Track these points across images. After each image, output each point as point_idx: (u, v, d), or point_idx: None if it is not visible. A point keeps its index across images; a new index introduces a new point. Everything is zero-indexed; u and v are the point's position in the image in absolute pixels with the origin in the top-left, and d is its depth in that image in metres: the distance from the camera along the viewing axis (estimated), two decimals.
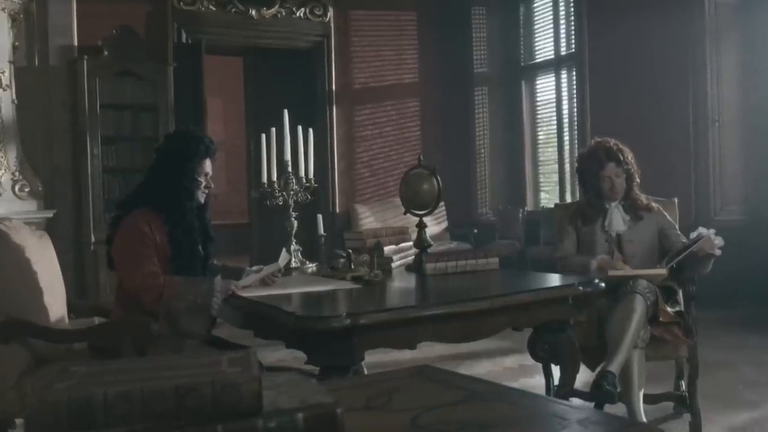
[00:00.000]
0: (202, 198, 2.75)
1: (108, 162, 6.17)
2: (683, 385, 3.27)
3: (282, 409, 0.83)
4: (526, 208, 7.42)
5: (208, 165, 2.78)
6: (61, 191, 6.11)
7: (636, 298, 2.87)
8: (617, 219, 3.30)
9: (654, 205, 3.35)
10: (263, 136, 3.62)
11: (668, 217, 3.37)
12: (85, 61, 5.97)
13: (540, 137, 7.77)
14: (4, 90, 5.73)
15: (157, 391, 0.78)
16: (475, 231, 7.41)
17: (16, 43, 5.90)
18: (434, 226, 7.56)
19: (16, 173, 5.78)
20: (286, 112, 3.66)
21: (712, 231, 3.16)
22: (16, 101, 5.79)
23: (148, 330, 2.42)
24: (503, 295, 2.35)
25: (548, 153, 7.70)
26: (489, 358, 4.50)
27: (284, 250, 2.86)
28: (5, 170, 5.74)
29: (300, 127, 3.60)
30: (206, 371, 0.84)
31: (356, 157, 7.61)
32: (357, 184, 7.60)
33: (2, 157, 5.73)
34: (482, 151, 7.93)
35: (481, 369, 4.37)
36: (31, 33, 6.04)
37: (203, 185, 2.73)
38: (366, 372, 3.87)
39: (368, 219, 7.25)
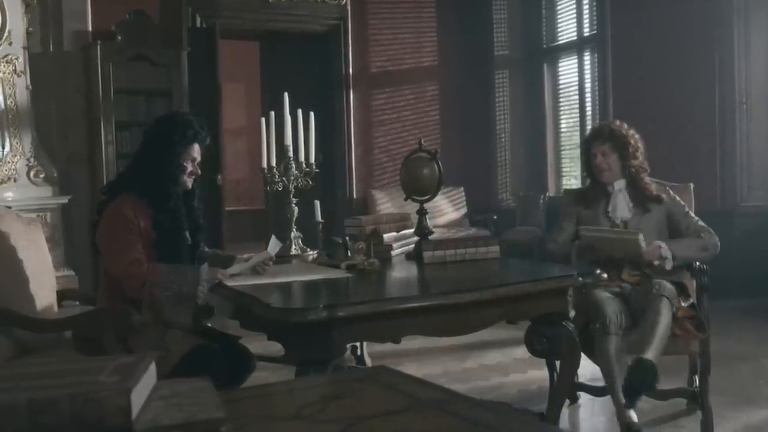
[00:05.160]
0: (189, 183, 2.68)
1: (122, 147, 6.13)
2: (696, 380, 3.12)
3: (158, 427, 0.73)
4: (547, 194, 7.25)
5: (196, 150, 2.69)
6: (76, 177, 6.10)
7: (663, 302, 2.74)
8: (622, 205, 3.15)
9: (664, 195, 3.16)
10: (262, 120, 3.53)
11: (681, 202, 3.19)
12: (98, 47, 5.93)
13: (562, 121, 7.56)
14: (19, 76, 5.71)
15: (7, 406, 0.69)
16: (495, 217, 7.26)
17: (30, 29, 5.87)
18: (453, 212, 7.44)
19: (31, 159, 5.78)
20: (286, 95, 3.56)
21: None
22: (30, 87, 5.76)
23: (129, 319, 2.35)
24: (494, 286, 2.23)
25: (571, 137, 7.49)
26: (499, 348, 4.38)
27: (273, 237, 2.76)
28: (20, 156, 5.74)
29: (300, 111, 3.50)
30: (76, 381, 0.75)
31: (374, 142, 7.48)
32: (374, 170, 7.49)
33: (17, 143, 5.73)
34: (503, 135, 7.74)
35: (490, 359, 4.26)
36: (46, 18, 6.02)
37: (189, 171, 2.65)
38: (370, 362, 3.80)
39: (386, 205, 7.13)
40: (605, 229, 3.02)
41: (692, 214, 3.16)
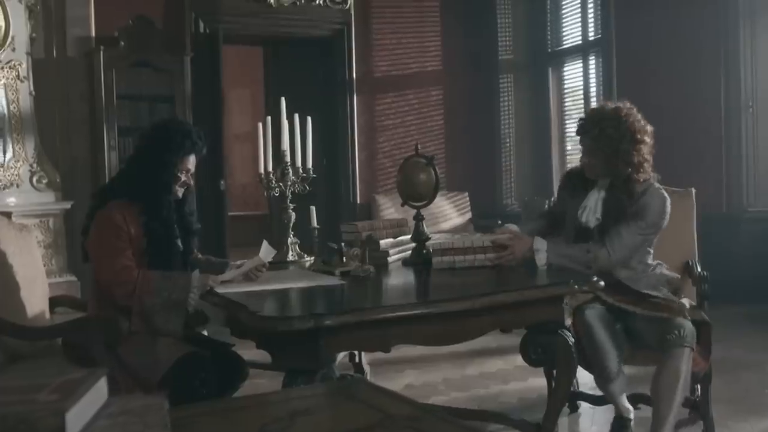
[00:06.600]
0: (179, 193, 2.65)
1: (125, 153, 6.11)
2: (698, 389, 3.06)
3: None
4: (552, 199, 7.17)
5: (191, 161, 2.66)
6: (79, 182, 6.10)
7: (684, 354, 2.53)
8: (590, 210, 2.79)
9: (648, 199, 2.73)
10: (260, 125, 3.51)
11: (652, 208, 2.73)
12: (101, 52, 5.93)
13: (567, 125, 7.50)
14: (22, 82, 5.72)
15: None
16: (500, 222, 7.19)
17: (34, 35, 5.88)
18: (457, 217, 7.39)
19: (34, 165, 5.78)
20: (283, 100, 3.54)
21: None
22: (33, 93, 5.78)
23: (117, 327, 2.32)
24: (485, 294, 2.18)
25: (576, 140, 7.42)
26: (500, 355, 4.33)
27: (265, 243, 2.72)
28: (23, 162, 5.75)
29: (297, 116, 3.48)
30: (12, 400, 0.72)
31: (378, 146, 7.45)
32: (378, 175, 7.45)
33: (20, 148, 5.74)
34: (508, 140, 7.70)
35: (491, 367, 4.22)
36: (49, 24, 6.03)
37: (182, 181, 2.62)
38: (368, 369, 3.76)
39: (389, 210, 7.09)
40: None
41: (632, 228, 2.71)
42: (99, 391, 0.81)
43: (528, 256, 2.73)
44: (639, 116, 2.82)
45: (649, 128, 2.82)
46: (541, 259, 2.69)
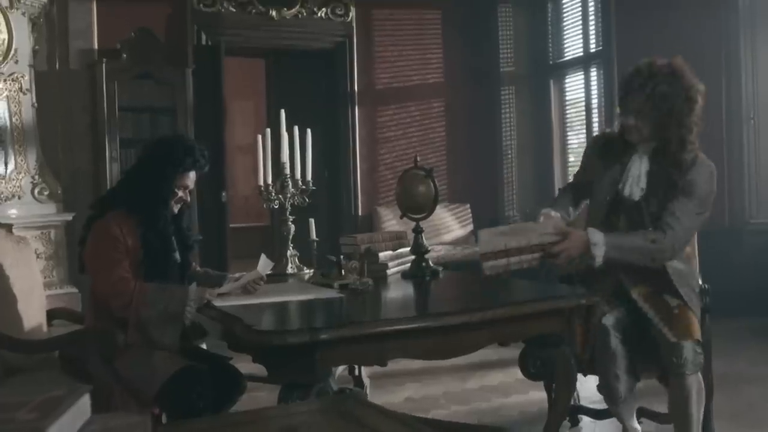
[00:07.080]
0: (175, 209, 2.64)
1: (127, 165, 6.12)
2: None
3: None
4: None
5: (190, 178, 2.65)
6: (81, 194, 6.11)
7: (685, 380, 2.35)
8: (634, 176, 2.51)
9: (695, 174, 2.43)
10: (259, 137, 3.51)
11: (699, 183, 2.47)
12: (104, 65, 5.96)
13: (569, 136, 7.50)
14: (25, 94, 5.74)
15: None
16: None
17: (37, 47, 5.90)
18: (459, 229, 7.39)
19: (36, 176, 5.79)
20: (282, 112, 3.55)
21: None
22: (36, 105, 5.79)
23: (113, 340, 2.31)
24: (482, 308, 2.16)
25: (578, 152, 7.43)
26: (502, 368, 4.30)
27: (263, 256, 2.70)
28: (25, 173, 5.76)
29: (296, 128, 3.48)
30: None
31: (379, 158, 7.46)
32: (380, 187, 7.45)
33: (22, 160, 5.75)
34: (509, 151, 7.69)
35: (492, 380, 4.19)
36: (52, 37, 6.06)
37: (179, 197, 2.62)
38: (368, 383, 3.74)
39: (391, 222, 7.08)
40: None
41: (686, 208, 2.47)
42: (81, 409, 0.80)
43: (584, 251, 2.42)
44: (691, 73, 2.53)
45: (701, 87, 2.52)
46: (599, 254, 2.41)
